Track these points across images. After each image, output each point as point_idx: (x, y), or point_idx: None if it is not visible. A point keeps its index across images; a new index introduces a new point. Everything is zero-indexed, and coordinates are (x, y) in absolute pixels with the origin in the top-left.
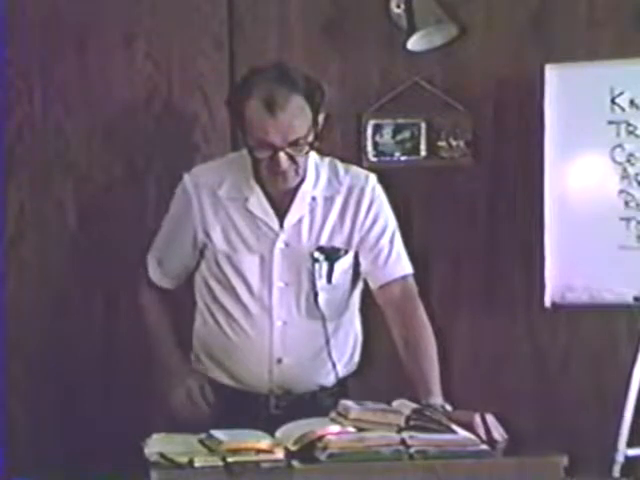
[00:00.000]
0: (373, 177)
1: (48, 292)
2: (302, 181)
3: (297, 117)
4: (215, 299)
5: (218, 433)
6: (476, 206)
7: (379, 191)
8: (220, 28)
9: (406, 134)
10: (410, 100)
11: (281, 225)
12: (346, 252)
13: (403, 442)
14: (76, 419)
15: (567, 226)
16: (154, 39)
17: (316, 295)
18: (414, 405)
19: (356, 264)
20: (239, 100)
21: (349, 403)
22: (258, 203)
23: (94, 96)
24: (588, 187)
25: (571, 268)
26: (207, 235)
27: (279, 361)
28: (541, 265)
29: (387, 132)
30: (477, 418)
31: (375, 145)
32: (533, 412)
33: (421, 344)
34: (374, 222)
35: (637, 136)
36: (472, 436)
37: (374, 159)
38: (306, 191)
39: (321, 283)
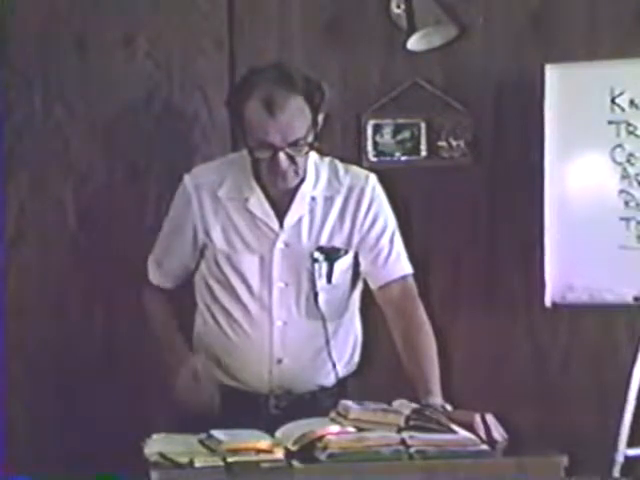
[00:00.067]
0: (373, 177)
1: (48, 292)
2: (302, 181)
3: (297, 117)
4: (215, 299)
5: (218, 433)
6: (476, 206)
7: (379, 191)
8: (220, 28)
9: (406, 134)
10: (410, 100)
11: (281, 225)
12: (346, 252)
13: (403, 442)
14: (76, 419)
15: (567, 226)
16: (154, 39)
17: (316, 295)
18: (414, 405)
19: (356, 264)
20: (239, 100)
21: (349, 403)
22: (258, 203)
23: (94, 96)
24: (588, 187)
25: (571, 268)
26: (207, 235)
27: (279, 361)
28: (541, 265)
29: (387, 132)
30: (477, 418)
31: (375, 145)
32: (533, 412)
33: (421, 344)
34: (374, 222)
35: (637, 136)
36: (472, 436)
37: (374, 159)
38: (306, 191)
39: (321, 283)
